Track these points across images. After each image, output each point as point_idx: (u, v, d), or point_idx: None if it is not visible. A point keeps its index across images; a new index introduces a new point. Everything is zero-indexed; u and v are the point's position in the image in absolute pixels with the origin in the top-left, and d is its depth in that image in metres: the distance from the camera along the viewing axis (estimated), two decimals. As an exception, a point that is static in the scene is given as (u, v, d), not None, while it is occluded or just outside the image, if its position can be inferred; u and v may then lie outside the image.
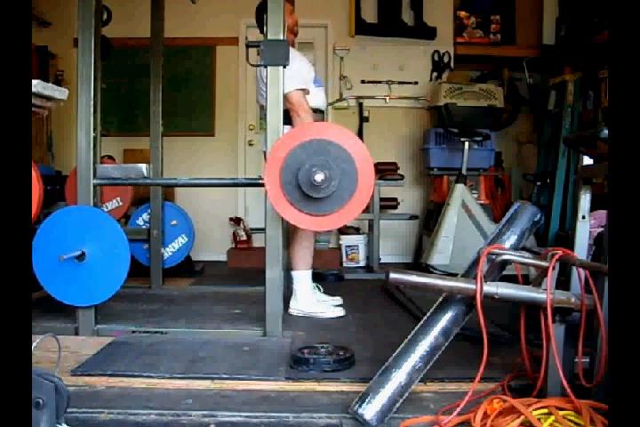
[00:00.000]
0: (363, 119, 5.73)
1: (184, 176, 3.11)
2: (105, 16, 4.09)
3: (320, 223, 2.62)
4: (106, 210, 4.07)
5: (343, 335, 2.93)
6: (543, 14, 5.46)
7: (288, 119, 3.20)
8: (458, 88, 5.17)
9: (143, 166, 3.03)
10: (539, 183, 5.30)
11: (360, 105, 5.73)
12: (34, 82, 2.28)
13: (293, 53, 3.24)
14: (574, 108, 4.92)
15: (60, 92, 2.40)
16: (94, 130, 2.84)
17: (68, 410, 1.42)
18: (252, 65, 2.99)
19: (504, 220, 2.11)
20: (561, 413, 1.69)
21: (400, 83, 5.73)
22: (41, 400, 1.34)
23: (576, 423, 1.67)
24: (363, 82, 5.75)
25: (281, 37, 2.76)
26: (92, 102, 2.81)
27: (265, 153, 3.27)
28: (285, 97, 3.12)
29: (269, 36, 2.75)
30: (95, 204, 2.86)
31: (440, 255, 4.60)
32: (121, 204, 4.25)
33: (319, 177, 2.44)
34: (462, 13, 5.73)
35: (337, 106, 5.72)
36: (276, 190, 2.57)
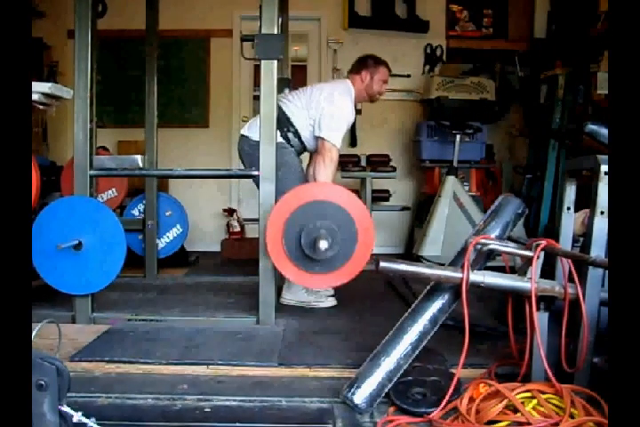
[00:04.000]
0: (356, 111, 5.74)
1: (178, 167, 3.16)
2: (100, 8, 4.10)
3: (320, 281, 2.77)
4: (101, 200, 4.10)
5: (335, 324, 2.99)
6: (535, 8, 5.49)
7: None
8: (450, 81, 5.21)
9: (138, 157, 3.08)
10: (529, 176, 5.36)
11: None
12: (47, 84, 2.35)
13: (350, 106, 3.45)
14: (565, 102, 4.96)
15: (67, 93, 2.49)
16: (91, 122, 2.88)
17: (67, 395, 1.46)
18: (246, 58, 3.04)
19: (489, 212, 2.18)
20: (543, 396, 1.76)
21: (393, 75, 5.70)
22: (43, 382, 1.38)
23: (558, 406, 1.74)
24: (356, 74, 5.77)
25: (275, 31, 2.79)
26: (89, 94, 2.86)
27: (244, 137, 3.35)
28: (321, 139, 3.29)
29: (263, 30, 2.79)
30: (92, 194, 2.90)
31: (431, 246, 4.65)
32: (116, 194, 4.29)
33: (323, 245, 2.57)
34: (455, 7, 5.76)
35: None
36: (278, 249, 2.70)
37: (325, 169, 3.26)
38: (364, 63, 3.64)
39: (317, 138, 3.34)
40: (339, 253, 2.66)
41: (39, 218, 2.83)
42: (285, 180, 3.18)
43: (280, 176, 2.97)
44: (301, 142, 3.43)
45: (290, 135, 3.38)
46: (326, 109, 3.33)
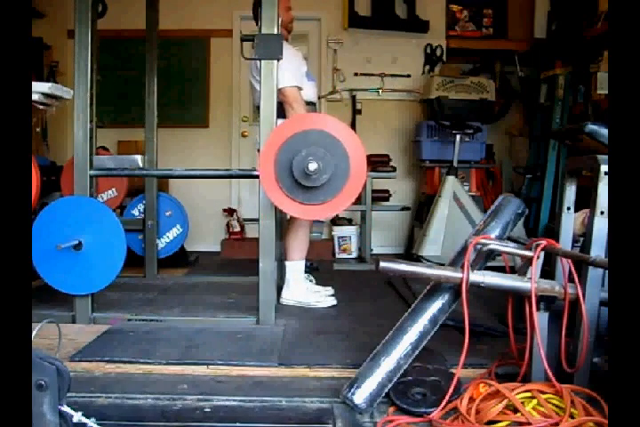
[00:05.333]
0: (355, 112, 5.77)
1: (178, 167, 3.16)
2: (100, 8, 4.10)
3: (312, 212, 2.68)
4: (102, 200, 4.11)
5: (335, 324, 2.99)
6: (535, 8, 5.49)
7: (281, 112, 3.26)
8: (450, 81, 5.22)
9: (138, 157, 3.08)
10: (529, 176, 5.36)
11: (353, 97, 5.76)
12: (47, 84, 2.35)
13: (288, 49, 3.32)
14: (565, 102, 4.97)
15: (67, 93, 2.48)
16: (91, 122, 2.88)
17: (67, 394, 1.47)
18: (246, 59, 3.04)
19: (489, 212, 2.18)
20: (543, 396, 1.76)
21: (393, 75, 5.76)
22: (43, 382, 1.38)
23: (558, 406, 1.73)
24: (356, 74, 5.78)
25: (275, 31, 2.80)
26: (89, 94, 2.86)
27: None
28: (280, 91, 3.21)
29: (263, 30, 2.80)
30: (92, 194, 2.90)
31: (431, 246, 4.65)
32: (116, 194, 4.29)
33: (312, 166, 2.50)
34: (455, 7, 5.77)
35: (330, 98, 5.76)
36: (270, 179, 2.63)
37: (296, 112, 3.23)
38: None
39: (278, 92, 3.26)
40: (331, 182, 2.59)
41: (39, 218, 2.83)
42: None
43: None
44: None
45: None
46: None
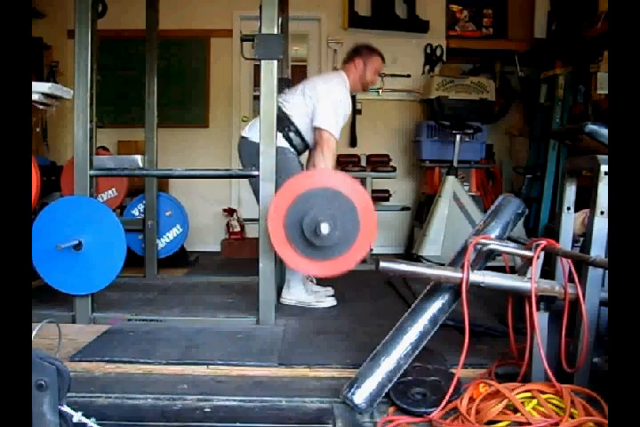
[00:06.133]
0: (355, 112, 5.75)
1: (178, 167, 3.16)
2: (100, 8, 4.10)
3: (323, 268, 2.72)
4: (102, 200, 4.10)
5: (335, 324, 2.99)
6: (535, 8, 5.49)
7: (278, 123, 3.27)
8: (450, 81, 5.22)
9: (138, 157, 3.08)
10: (529, 176, 5.36)
11: (353, 97, 5.74)
12: (47, 84, 2.35)
13: (346, 96, 3.43)
14: (565, 102, 4.97)
15: (67, 93, 2.49)
16: (91, 122, 2.88)
17: (67, 394, 1.46)
18: (246, 58, 3.04)
19: (489, 212, 2.18)
20: (543, 396, 1.76)
21: (393, 75, 5.75)
22: (43, 382, 1.38)
23: (558, 406, 1.73)
24: (356, 74, 5.77)
25: (275, 31, 2.79)
26: (89, 94, 2.86)
27: (245, 139, 3.35)
28: (319, 130, 3.27)
29: (263, 30, 2.79)
30: (92, 194, 2.90)
31: (431, 246, 4.65)
32: (116, 194, 4.29)
33: (325, 229, 2.53)
34: (455, 7, 5.77)
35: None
36: (280, 237, 2.66)
37: (325, 159, 3.26)
38: (358, 52, 3.63)
39: (315, 129, 3.34)
40: (342, 240, 2.62)
41: (39, 218, 2.83)
42: None
43: (280, 183, 2.97)
44: (302, 140, 3.41)
45: (291, 134, 3.37)
46: (322, 101, 3.33)
